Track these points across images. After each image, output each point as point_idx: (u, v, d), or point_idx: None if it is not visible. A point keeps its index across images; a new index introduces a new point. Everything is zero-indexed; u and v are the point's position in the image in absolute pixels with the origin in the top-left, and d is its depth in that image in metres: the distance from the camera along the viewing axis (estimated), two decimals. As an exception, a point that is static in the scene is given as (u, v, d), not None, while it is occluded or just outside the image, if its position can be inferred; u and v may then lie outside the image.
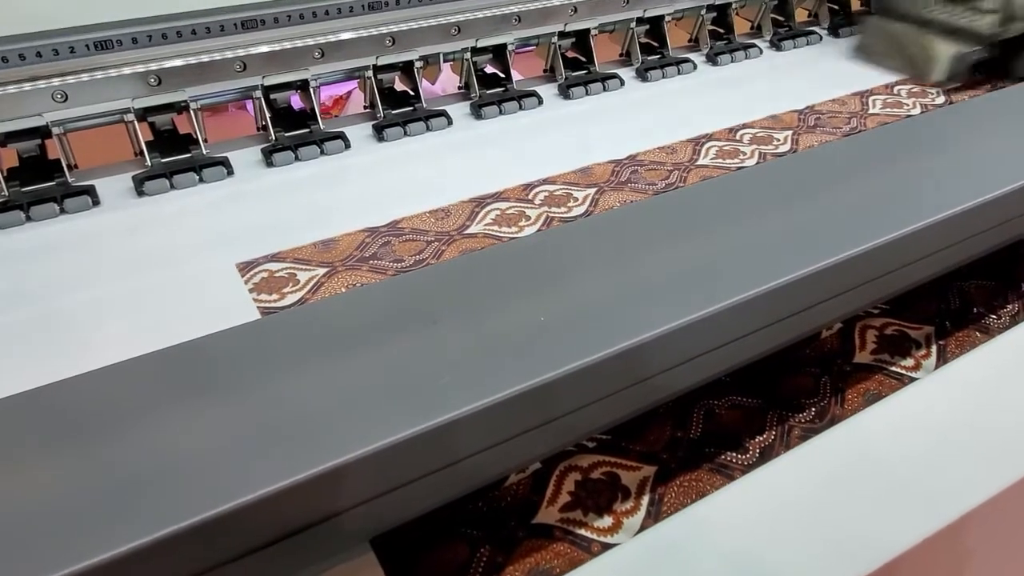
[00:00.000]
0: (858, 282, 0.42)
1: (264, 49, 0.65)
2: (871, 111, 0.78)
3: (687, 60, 0.88)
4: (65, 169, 0.62)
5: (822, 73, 0.88)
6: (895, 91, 0.83)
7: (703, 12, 0.91)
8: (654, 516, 0.38)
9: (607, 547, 0.36)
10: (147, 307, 0.51)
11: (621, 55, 0.90)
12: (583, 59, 0.86)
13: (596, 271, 0.40)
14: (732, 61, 0.91)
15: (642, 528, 0.37)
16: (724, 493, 0.39)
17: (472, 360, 0.34)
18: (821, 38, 0.97)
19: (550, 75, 0.86)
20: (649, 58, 0.88)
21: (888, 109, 0.79)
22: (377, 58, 0.72)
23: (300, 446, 0.30)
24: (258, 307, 0.51)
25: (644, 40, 0.90)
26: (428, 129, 0.74)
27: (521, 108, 0.78)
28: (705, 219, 0.44)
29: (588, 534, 0.37)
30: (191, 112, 0.66)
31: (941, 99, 0.81)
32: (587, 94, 0.82)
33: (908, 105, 0.80)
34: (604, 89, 0.83)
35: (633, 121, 0.77)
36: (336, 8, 0.67)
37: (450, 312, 0.37)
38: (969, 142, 0.54)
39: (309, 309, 0.43)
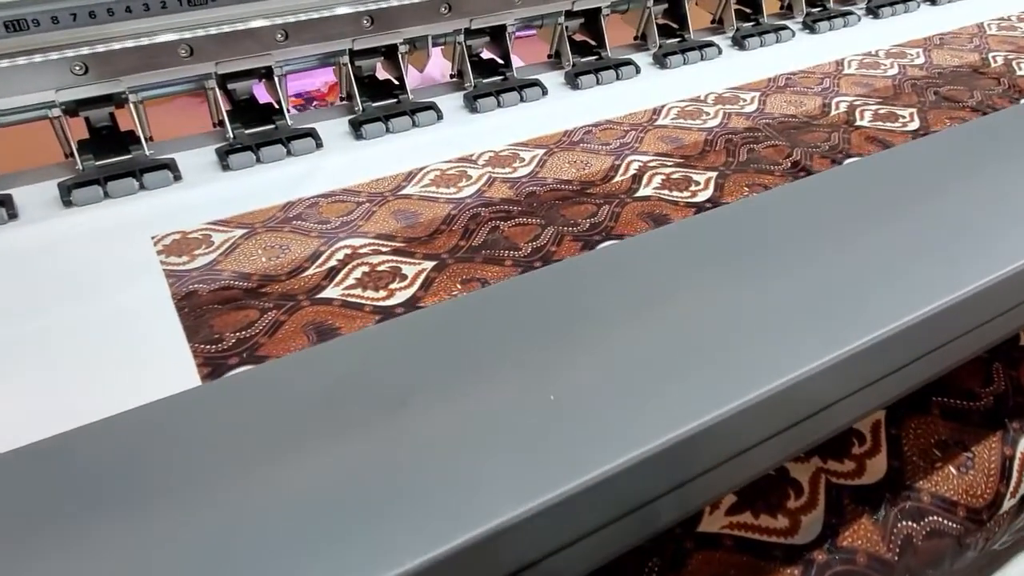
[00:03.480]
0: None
1: (215, 30, 0.55)
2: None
3: (711, 44, 0.77)
4: (-24, 174, 0.52)
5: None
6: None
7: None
8: None
9: None
10: (65, 351, 0.41)
11: (636, 38, 0.80)
12: (593, 43, 0.76)
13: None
14: (761, 45, 0.80)
15: None
16: None
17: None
18: (859, 19, 0.86)
19: (555, 61, 0.75)
20: (668, 42, 0.78)
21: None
22: (354, 41, 0.61)
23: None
24: (193, 351, 0.41)
25: (662, 21, 0.79)
26: (414, 125, 0.64)
27: (523, 99, 0.68)
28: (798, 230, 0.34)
29: None
30: (130, 106, 0.55)
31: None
32: (598, 83, 0.71)
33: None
34: (617, 77, 0.72)
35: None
36: (302, -18, 0.57)
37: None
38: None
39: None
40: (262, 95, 0.64)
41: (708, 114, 0.66)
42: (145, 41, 0.52)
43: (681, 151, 0.60)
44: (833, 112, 0.66)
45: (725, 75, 0.74)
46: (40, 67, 0.50)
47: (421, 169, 0.58)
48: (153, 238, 0.50)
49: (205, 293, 0.45)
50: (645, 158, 0.59)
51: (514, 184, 0.56)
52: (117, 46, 0.51)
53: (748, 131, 0.63)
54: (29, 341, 0.41)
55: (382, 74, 0.68)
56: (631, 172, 0.57)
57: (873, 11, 0.88)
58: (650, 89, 0.71)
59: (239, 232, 0.50)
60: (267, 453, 0.26)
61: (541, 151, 0.61)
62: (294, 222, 0.52)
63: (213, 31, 0.54)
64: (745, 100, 0.69)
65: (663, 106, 0.67)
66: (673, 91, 0.71)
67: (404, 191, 0.55)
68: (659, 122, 0.65)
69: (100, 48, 0.51)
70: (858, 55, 0.78)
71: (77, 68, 0.51)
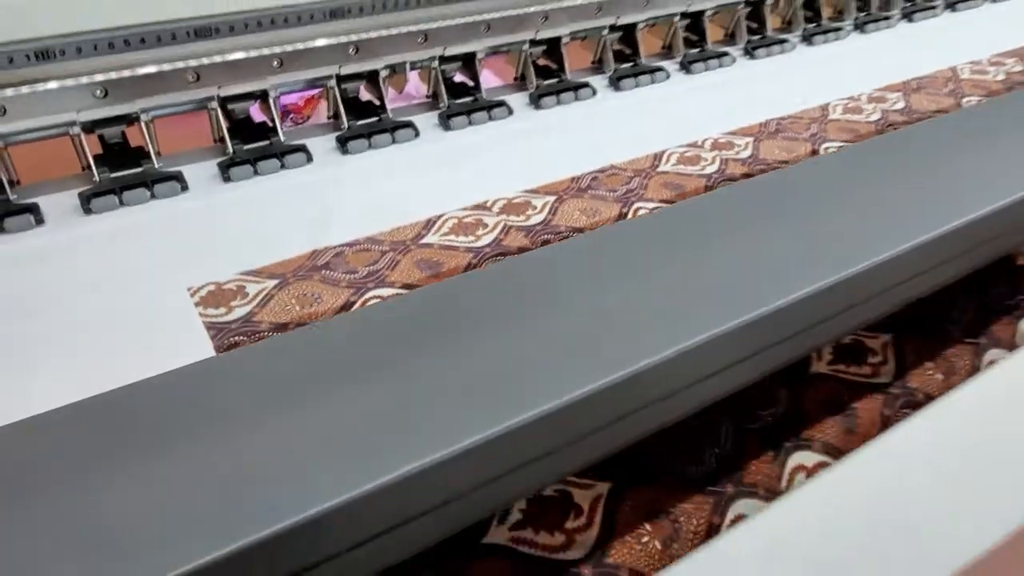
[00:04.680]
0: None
1: (219, 59, 0.62)
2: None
3: (660, 68, 0.86)
4: (6, 186, 0.58)
5: (791, 83, 0.87)
6: (869, 102, 0.82)
7: (676, 20, 0.89)
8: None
9: None
10: (91, 335, 0.48)
11: (593, 63, 0.88)
12: (555, 67, 0.84)
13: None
14: (706, 69, 0.89)
15: None
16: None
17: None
18: (795, 46, 0.96)
19: (521, 83, 0.83)
20: (622, 66, 0.86)
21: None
22: (340, 67, 0.69)
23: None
24: (204, 321, 0.48)
25: (616, 48, 0.88)
26: (394, 141, 0.71)
27: (491, 118, 0.76)
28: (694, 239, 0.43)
29: None
30: (142, 125, 0.62)
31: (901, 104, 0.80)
32: (559, 103, 0.80)
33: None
34: (576, 98, 0.81)
35: (606, 132, 0.75)
36: (296, 15, 0.64)
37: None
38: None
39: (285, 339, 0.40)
40: (256, 113, 0.71)
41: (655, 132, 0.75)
42: (158, 68, 0.59)
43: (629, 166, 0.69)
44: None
45: (672, 97, 0.83)
46: (66, 91, 0.57)
47: (440, 216, 0.60)
48: (189, 290, 0.52)
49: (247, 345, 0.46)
50: (650, 203, 0.65)
51: (529, 232, 0.58)
52: (134, 73, 0.58)
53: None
54: (55, 339, 0.48)
55: (364, 95, 0.76)
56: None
57: (807, 39, 0.98)
58: (606, 109, 0.80)
59: (271, 283, 0.53)
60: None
61: (552, 198, 0.63)
62: (323, 271, 0.54)
63: (217, 59, 0.62)
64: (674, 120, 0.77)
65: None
66: (626, 110, 0.80)
67: (425, 240, 0.58)
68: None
69: (120, 74, 0.58)
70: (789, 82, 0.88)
71: (98, 92, 0.58)
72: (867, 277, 0.43)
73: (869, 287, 0.44)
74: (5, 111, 0.55)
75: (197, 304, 0.51)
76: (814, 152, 0.71)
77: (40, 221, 0.58)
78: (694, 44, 0.92)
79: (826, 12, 1.02)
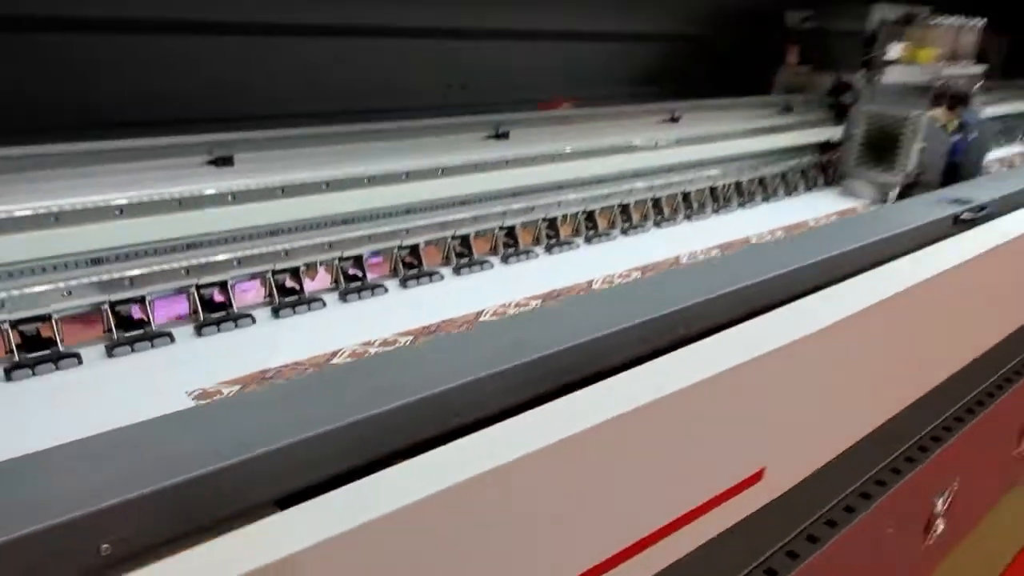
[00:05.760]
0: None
1: (201, 261, 1.01)
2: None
3: (487, 261, 1.31)
4: (58, 341, 0.92)
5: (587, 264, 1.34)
6: (619, 276, 1.29)
7: (496, 230, 1.37)
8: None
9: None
10: (131, 413, 0.80)
11: (443, 259, 1.33)
12: (416, 262, 1.27)
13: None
14: (517, 261, 1.35)
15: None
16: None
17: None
18: (537, 255, 1.45)
19: (394, 273, 1.26)
20: (460, 261, 1.31)
21: (611, 287, 1.24)
22: (275, 264, 1.09)
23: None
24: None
25: (458, 249, 1.33)
26: (309, 310, 1.10)
27: (373, 294, 1.17)
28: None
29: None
30: (147, 303, 0.98)
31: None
32: (418, 284, 1.22)
33: (624, 285, 1.25)
34: (431, 281, 1.23)
35: (448, 299, 1.17)
36: (248, 236, 1.05)
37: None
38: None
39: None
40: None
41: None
42: (165, 267, 0.97)
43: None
44: (548, 295, 1.19)
45: (498, 277, 1.27)
46: (107, 283, 0.93)
47: (340, 349, 0.99)
48: (187, 392, 0.87)
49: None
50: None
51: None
52: (151, 270, 0.96)
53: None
54: (110, 421, 0.80)
55: (289, 282, 1.15)
56: (433, 328, 1.05)
57: (549, 249, 1.47)
58: (452, 287, 1.23)
59: (237, 387, 0.88)
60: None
61: (412, 336, 1.05)
62: (268, 380, 0.90)
63: (199, 262, 1.00)
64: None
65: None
66: (465, 288, 1.23)
67: (332, 362, 0.95)
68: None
69: (143, 271, 0.95)
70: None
71: (127, 282, 0.95)
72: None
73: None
74: (71, 292, 0.91)
75: (194, 399, 0.85)
76: (576, 305, 1.15)
77: (80, 362, 0.91)
78: (510, 246, 1.39)
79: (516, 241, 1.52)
